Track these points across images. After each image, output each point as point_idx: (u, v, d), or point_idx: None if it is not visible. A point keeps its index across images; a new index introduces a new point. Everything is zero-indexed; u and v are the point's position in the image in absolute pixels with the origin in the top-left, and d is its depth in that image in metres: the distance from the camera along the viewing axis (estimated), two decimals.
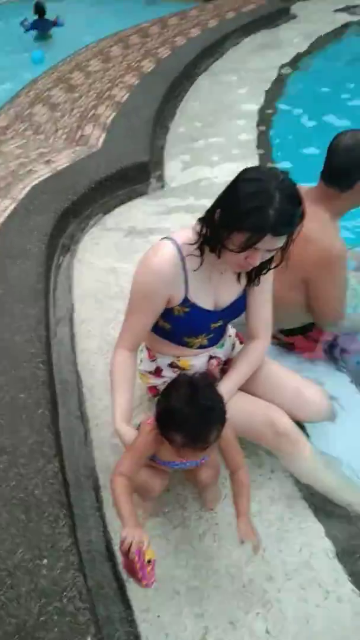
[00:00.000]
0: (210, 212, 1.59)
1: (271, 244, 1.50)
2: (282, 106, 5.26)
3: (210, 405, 1.39)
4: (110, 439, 2.07)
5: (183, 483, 1.93)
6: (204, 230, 1.61)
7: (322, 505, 1.88)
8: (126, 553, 1.32)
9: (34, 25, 7.62)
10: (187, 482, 1.91)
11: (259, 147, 4.43)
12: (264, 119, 4.96)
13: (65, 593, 1.41)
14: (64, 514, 1.60)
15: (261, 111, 5.10)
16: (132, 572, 1.34)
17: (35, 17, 7.63)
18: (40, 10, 7.63)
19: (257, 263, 1.57)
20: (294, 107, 5.25)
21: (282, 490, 1.93)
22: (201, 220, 1.64)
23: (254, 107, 5.18)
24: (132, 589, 1.65)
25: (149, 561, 1.34)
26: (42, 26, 7.68)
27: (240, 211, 1.46)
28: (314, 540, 1.79)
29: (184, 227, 1.71)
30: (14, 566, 1.47)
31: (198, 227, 1.64)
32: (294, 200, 1.47)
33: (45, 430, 1.84)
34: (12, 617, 1.36)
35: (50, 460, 1.74)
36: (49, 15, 7.68)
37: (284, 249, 1.60)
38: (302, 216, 1.52)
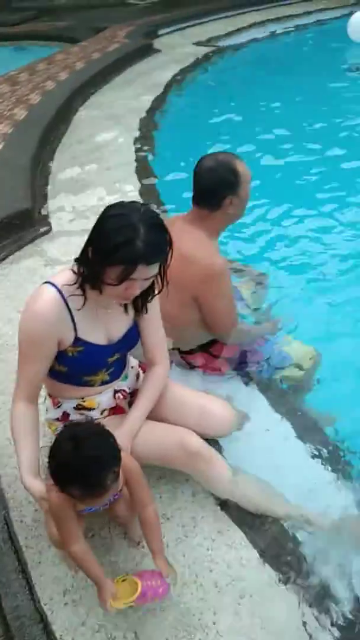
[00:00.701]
0: (84, 251, 1.63)
1: (146, 273, 1.56)
2: (157, 135, 5.46)
3: (97, 454, 1.41)
4: (26, 496, 2.00)
5: (106, 525, 1.90)
6: (82, 269, 1.64)
7: (244, 517, 1.91)
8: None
9: None
10: (111, 523, 1.88)
11: (140, 178, 4.55)
12: (141, 149, 5.11)
13: None
14: None
15: (138, 141, 5.26)
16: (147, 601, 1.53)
17: None
18: None
19: (138, 292, 1.62)
20: (169, 135, 5.47)
21: (205, 511, 1.94)
22: (77, 260, 1.66)
23: (130, 139, 5.32)
24: None
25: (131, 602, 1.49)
26: None
27: (109, 247, 1.51)
28: (241, 552, 1.81)
29: (62, 269, 1.73)
30: None
31: (75, 267, 1.66)
32: (157, 228, 1.55)
33: None
34: None
35: None
36: None
37: (162, 275, 1.67)
38: (170, 242, 1.59)
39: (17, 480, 1.99)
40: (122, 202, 1.61)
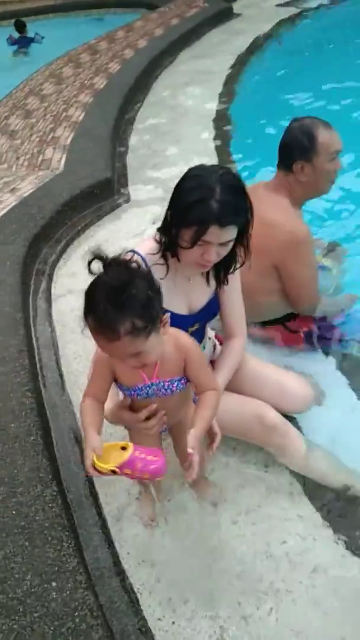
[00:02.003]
0: (165, 218, 1.65)
1: (219, 236, 1.54)
2: (238, 104, 5.32)
3: (118, 286, 1.20)
4: None
5: (182, 489, 1.96)
6: (163, 238, 1.66)
7: (318, 492, 1.92)
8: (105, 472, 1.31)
9: (16, 41, 8.48)
10: (185, 487, 1.94)
11: (219, 147, 4.50)
12: (222, 119, 5.02)
13: (76, 613, 1.43)
14: (67, 536, 1.62)
15: (218, 112, 5.17)
16: (137, 477, 1.38)
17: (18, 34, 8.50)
18: (20, 27, 8.49)
19: (214, 258, 1.60)
20: (250, 104, 5.32)
21: (278, 482, 1.97)
22: (159, 228, 1.68)
23: (210, 108, 5.25)
24: (144, 601, 1.68)
25: (113, 471, 1.30)
26: (22, 43, 8.52)
27: (184, 206, 1.53)
28: (313, 526, 1.83)
29: (146, 238, 1.76)
30: (24, 594, 1.49)
31: (158, 236, 1.69)
32: (235, 191, 1.53)
33: (40, 456, 1.86)
34: None
35: (48, 485, 1.77)
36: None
37: (245, 245, 1.66)
38: (249, 209, 1.57)
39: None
40: (204, 164, 1.60)
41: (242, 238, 1.64)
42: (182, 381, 1.49)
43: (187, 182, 1.56)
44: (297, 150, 2.06)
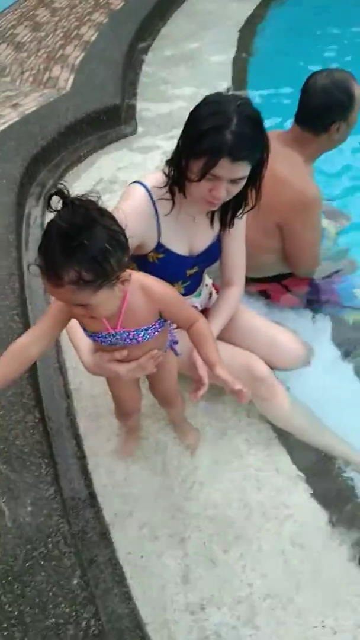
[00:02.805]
0: (175, 148, 1.54)
1: (231, 171, 1.44)
2: (259, 44, 5.07)
3: (72, 233, 1.06)
4: (89, 389, 2.08)
5: (162, 430, 1.96)
6: (172, 171, 1.57)
7: (297, 448, 1.94)
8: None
9: None
10: (167, 427, 1.95)
11: (236, 85, 4.30)
12: (239, 58, 4.79)
13: (50, 539, 1.44)
14: (46, 463, 1.62)
15: (237, 50, 4.92)
16: None
17: None
18: None
19: (223, 195, 1.50)
20: (271, 45, 5.07)
21: (259, 435, 1.98)
22: (169, 160, 1.59)
23: (229, 46, 4.99)
24: (115, 534, 1.70)
25: None
26: None
27: (197, 134, 1.42)
28: (289, 479, 1.86)
29: (154, 171, 1.67)
30: None
31: (167, 169, 1.60)
32: (253, 123, 1.42)
33: (24, 382, 1.83)
34: None
35: (30, 411, 1.75)
36: None
37: (256, 188, 1.57)
38: (266, 146, 1.47)
39: (80, 373, 2.08)
40: (222, 92, 1.48)
41: (254, 179, 1.53)
42: (150, 331, 1.38)
43: (202, 109, 1.44)
44: (336, 110, 1.94)
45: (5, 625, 1.30)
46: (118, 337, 1.35)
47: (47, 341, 1.32)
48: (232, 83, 4.26)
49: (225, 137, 1.37)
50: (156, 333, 1.40)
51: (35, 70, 4.24)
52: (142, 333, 1.36)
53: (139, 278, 1.30)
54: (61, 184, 1.09)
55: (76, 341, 1.50)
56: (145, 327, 1.36)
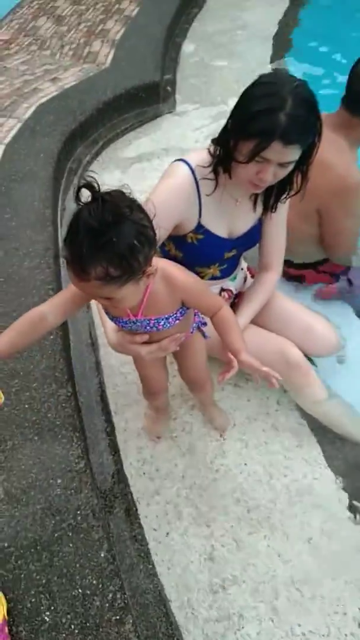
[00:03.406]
0: (223, 126, 1.51)
1: (281, 154, 1.39)
2: (302, 26, 4.94)
3: (100, 229, 1.04)
4: (119, 367, 2.09)
5: (190, 411, 1.96)
6: (217, 151, 1.54)
7: (326, 436, 1.93)
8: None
9: None
10: (195, 408, 1.95)
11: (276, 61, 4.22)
12: (282, 40, 4.68)
13: (79, 512, 1.46)
14: (77, 437, 1.63)
15: (279, 32, 4.81)
16: None
17: None
18: None
19: (270, 178, 1.46)
20: (315, 28, 4.93)
21: (288, 421, 1.97)
22: (214, 140, 1.56)
23: (271, 27, 4.88)
24: (141, 510, 1.71)
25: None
26: None
27: (249, 115, 1.37)
28: (317, 468, 1.85)
29: (199, 149, 1.64)
30: (28, 485, 1.51)
31: (212, 149, 1.57)
32: (308, 106, 1.37)
33: (57, 356, 1.85)
34: (28, 532, 1.42)
35: (63, 385, 1.76)
36: None
37: (303, 173, 1.53)
38: (319, 131, 1.42)
39: (113, 352, 2.08)
40: (278, 71, 1.43)
41: (303, 163, 1.49)
42: (171, 320, 1.37)
43: (256, 89, 1.39)
44: None
45: (32, 592, 1.32)
46: (139, 324, 1.35)
47: (65, 313, 1.30)
48: (273, 59, 4.16)
49: (279, 119, 1.33)
50: (177, 321, 1.39)
51: (75, 44, 4.21)
52: (163, 322, 1.36)
53: (162, 267, 1.28)
54: (90, 176, 1.06)
55: (103, 318, 1.50)
56: (167, 315, 1.36)
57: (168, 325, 1.37)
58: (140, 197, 1.60)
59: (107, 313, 1.40)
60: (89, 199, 1.03)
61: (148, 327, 1.36)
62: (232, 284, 1.95)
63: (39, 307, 1.28)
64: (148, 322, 1.35)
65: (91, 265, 1.05)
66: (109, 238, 1.03)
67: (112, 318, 1.39)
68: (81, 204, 1.05)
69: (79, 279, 1.09)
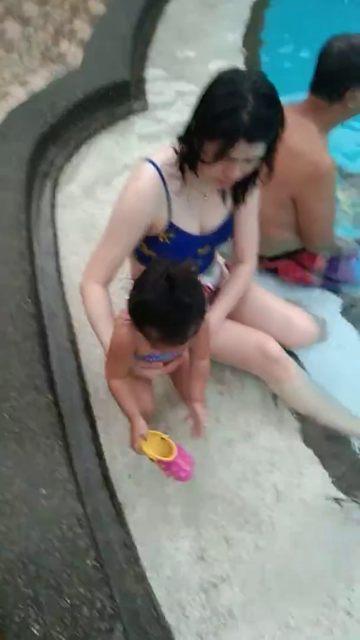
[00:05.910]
0: (187, 125, 1.50)
1: (247, 152, 1.39)
2: (270, 16, 4.92)
3: (190, 302, 1.25)
4: (101, 371, 2.06)
5: (173, 411, 1.95)
6: (183, 148, 1.53)
7: (310, 428, 1.93)
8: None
9: None
10: (178, 408, 1.93)
11: (246, 59, 4.20)
12: (251, 27, 4.67)
13: (64, 521, 1.44)
14: (60, 445, 1.61)
15: (250, 19, 4.79)
16: (164, 471, 1.54)
17: None
18: None
19: (237, 176, 1.47)
20: (284, 19, 4.92)
21: (273, 414, 1.96)
22: (180, 138, 1.54)
23: (240, 16, 4.86)
24: (128, 515, 1.70)
25: (151, 459, 1.51)
26: None
27: (211, 116, 1.37)
28: (303, 460, 1.85)
29: (164, 147, 1.62)
30: (13, 497, 1.49)
31: (177, 146, 1.55)
32: (269, 102, 1.36)
33: (36, 363, 1.82)
34: (13, 545, 1.40)
35: (43, 393, 1.74)
36: None
37: (269, 162, 1.52)
38: (281, 123, 1.42)
39: (94, 356, 2.07)
40: (236, 68, 1.42)
41: (268, 155, 1.48)
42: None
43: (216, 89, 1.38)
44: (351, 75, 1.88)
45: (21, 606, 1.30)
46: (162, 356, 1.59)
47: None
48: (244, 53, 4.14)
49: (242, 118, 1.32)
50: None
51: (43, 46, 4.17)
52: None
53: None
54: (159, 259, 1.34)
55: (102, 335, 1.63)
56: None
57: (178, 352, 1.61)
58: (113, 197, 1.59)
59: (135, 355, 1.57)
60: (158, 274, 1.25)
61: (167, 357, 1.63)
62: (208, 280, 1.95)
63: (117, 381, 1.59)
64: (170, 354, 1.61)
65: (189, 330, 1.29)
66: (197, 304, 1.28)
67: (145, 357, 1.58)
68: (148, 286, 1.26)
69: (173, 346, 1.35)
